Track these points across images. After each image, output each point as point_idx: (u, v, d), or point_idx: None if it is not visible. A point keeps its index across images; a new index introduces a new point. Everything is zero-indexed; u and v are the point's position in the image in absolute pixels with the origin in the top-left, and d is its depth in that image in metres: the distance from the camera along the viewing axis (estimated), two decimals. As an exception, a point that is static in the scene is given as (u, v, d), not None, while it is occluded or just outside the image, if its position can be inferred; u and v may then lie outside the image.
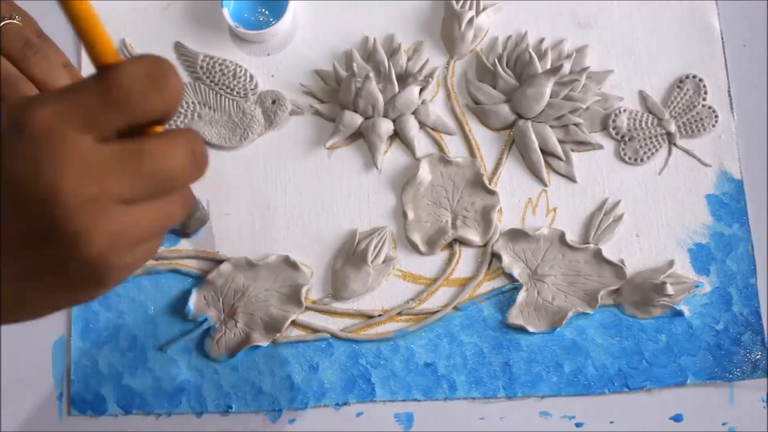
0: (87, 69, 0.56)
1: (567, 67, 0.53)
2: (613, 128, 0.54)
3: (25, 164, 0.26)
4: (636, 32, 0.55)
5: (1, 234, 0.27)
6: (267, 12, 0.55)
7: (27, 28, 0.51)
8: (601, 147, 0.54)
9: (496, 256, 0.52)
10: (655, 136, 0.54)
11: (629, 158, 0.53)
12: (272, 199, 0.53)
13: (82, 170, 0.26)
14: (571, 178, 0.53)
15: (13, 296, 0.28)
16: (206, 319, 0.51)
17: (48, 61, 0.51)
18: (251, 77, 0.55)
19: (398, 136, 0.54)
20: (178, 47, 0.56)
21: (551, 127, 0.53)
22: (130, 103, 0.27)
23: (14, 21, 0.50)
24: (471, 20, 0.54)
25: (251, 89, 0.55)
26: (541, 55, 0.54)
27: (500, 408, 0.51)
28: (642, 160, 0.53)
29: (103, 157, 0.26)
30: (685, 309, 0.51)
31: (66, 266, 0.27)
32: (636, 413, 0.51)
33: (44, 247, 0.27)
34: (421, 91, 0.54)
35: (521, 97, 0.53)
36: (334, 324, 0.52)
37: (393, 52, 0.55)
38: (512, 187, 0.53)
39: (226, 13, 0.54)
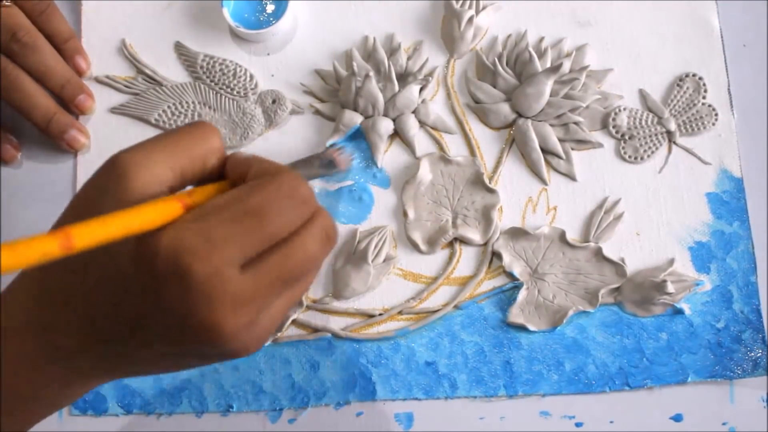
0: (90, 55, 0.55)
1: (567, 65, 0.54)
2: (613, 127, 0.54)
3: (187, 307, 0.29)
4: (636, 31, 0.55)
5: (167, 349, 0.31)
6: (267, 12, 0.55)
7: (14, 17, 0.51)
8: (601, 145, 0.54)
9: (496, 255, 0.52)
10: (655, 135, 0.54)
11: (629, 157, 0.53)
12: (272, 199, 0.53)
13: (237, 305, 0.29)
14: (571, 177, 0.53)
15: (164, 369, 0.35)
16: (207, 319, 0.51)
17: (38, 53, 0.52)
18: (251, 77, 0.55)
19: (398, 135, 0.54)
20: (178, 47, 0.56)
21: (551, 125, 0.53)
22: (278, 230, 0.30)
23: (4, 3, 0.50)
24: (471, 19, 0.54)
25: (251, 89, 0.55)
26: (541, 54, 0.54)
27: (500, 408, 0.51)
28: (642, 158, 0.53)
29: (251, 287, 0.29)
30: (686, 307, 0.51)
31: (217, 360, 0.33)
32: (636, 413, 0.51)
33: (202, 358, 0.33)
34: (421, 90, 0.54)
35: (521, 95, 0.53)
36: (335, 323, 0.52)
37: (393, 51, 0.55)
38: (512, 185, 0.53)
39: (226, 12, 0.54)
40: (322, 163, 0.46)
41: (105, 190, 0.30)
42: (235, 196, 0.29)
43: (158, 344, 0.31)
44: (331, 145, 0.52)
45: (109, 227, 0.26)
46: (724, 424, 0.50)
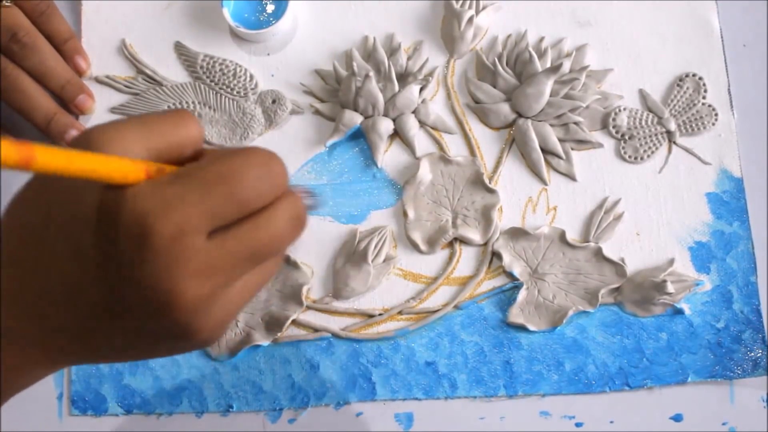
0: (90, 55, 0.55)
1: (567, 65, 0.54)
2: (613, 127, 0.54)
3: (149, 272, 0.27)
4: (636, 31, 0.55)
5: (124, 324, 0.29)
6: (267, 12, 0.55)
7: (14, 18, 0.51)
8: (601, 145, 0.54)
9: (496, 255, 0.52)
10: (655, 135, 0.54)
11: (629, 157, 0.53)
12: (272, 199, 0.53)
13: (199, 273, 0.27)
14: (571, 177, 0.53)
15: (123, 352, 0.32)
16: (207, 319, 0.51)
17: (38, 53, 0.52)
18: (251, 77, 0.55)
19: (398, 135, 0.54)
20: (178, 47, 0.56)
21: (551, 125, 0.53)
22: (249, 199, 0.28)
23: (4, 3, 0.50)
24: (471, 19, 0.54)
25: (251, 89, 0.55)
26: (541, 54, 0.54)
27: (500, 408, 0.51)
28: (642, 158, 0.53)
29: (216, 256, 0.28)
30: (686, 307, 0.51)
31: (176, 345, 0.31)
32: (636, 413, 0.51)
33: (165, 337, 0.30)
34: (421, 90, 0.54)
35: (521, 95, 0.53)
36: (335, 323, 0.52)
37: (393, 51, 0.55)
38: (512, 185, 0.53)
39: (226, 13, 0.54)
40: None
41: None
42: (207, 161, 0.28)
43: (111, 317, 0.29)
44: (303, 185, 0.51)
45: (71, 159, 0.25)
46: (724, 424, 0.50)
